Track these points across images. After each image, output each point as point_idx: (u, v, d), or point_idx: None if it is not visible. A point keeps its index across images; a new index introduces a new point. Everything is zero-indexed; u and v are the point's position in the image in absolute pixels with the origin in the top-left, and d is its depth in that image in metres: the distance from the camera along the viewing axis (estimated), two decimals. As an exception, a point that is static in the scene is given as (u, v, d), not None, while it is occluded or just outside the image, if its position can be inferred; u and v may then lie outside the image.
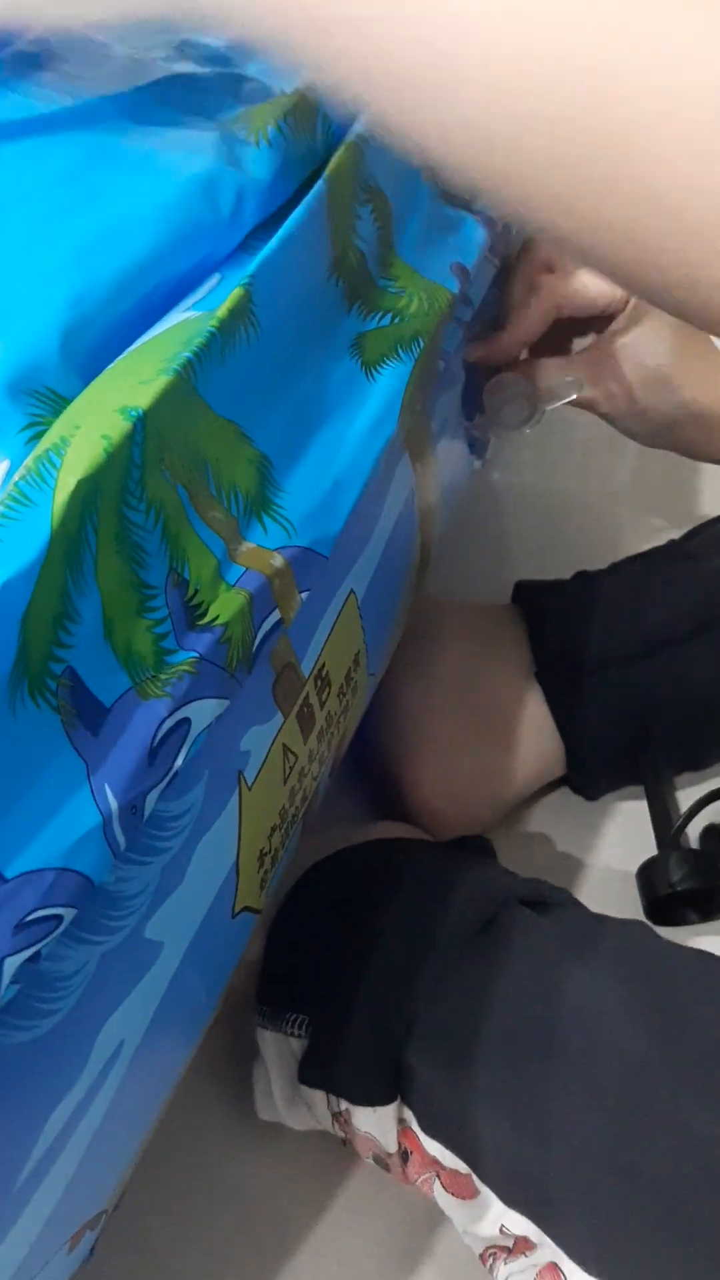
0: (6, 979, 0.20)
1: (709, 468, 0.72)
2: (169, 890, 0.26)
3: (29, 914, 0.21)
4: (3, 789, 0.21)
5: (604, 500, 0.70)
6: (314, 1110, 0.39)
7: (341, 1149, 0.41)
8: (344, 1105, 0.37)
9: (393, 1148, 0.37)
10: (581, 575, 0.53)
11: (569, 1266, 0.32)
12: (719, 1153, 0.31)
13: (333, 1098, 0.37)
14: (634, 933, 0.38)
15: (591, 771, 0.51)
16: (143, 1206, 0.38)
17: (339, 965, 0.38)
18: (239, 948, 0.32)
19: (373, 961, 0.37)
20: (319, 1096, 0.38)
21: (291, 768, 0.32)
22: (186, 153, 0.30)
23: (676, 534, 0.54)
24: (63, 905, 0.22)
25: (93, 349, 0.26)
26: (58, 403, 0.24)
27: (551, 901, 0.40)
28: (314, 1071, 0.38)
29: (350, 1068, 0.37)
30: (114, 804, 0.23)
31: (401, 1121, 0.36)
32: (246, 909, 0.31)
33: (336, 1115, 0.38)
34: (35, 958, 0.21)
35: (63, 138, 0.29)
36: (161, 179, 0.29)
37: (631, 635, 0.49)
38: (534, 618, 0.51)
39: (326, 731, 0.34)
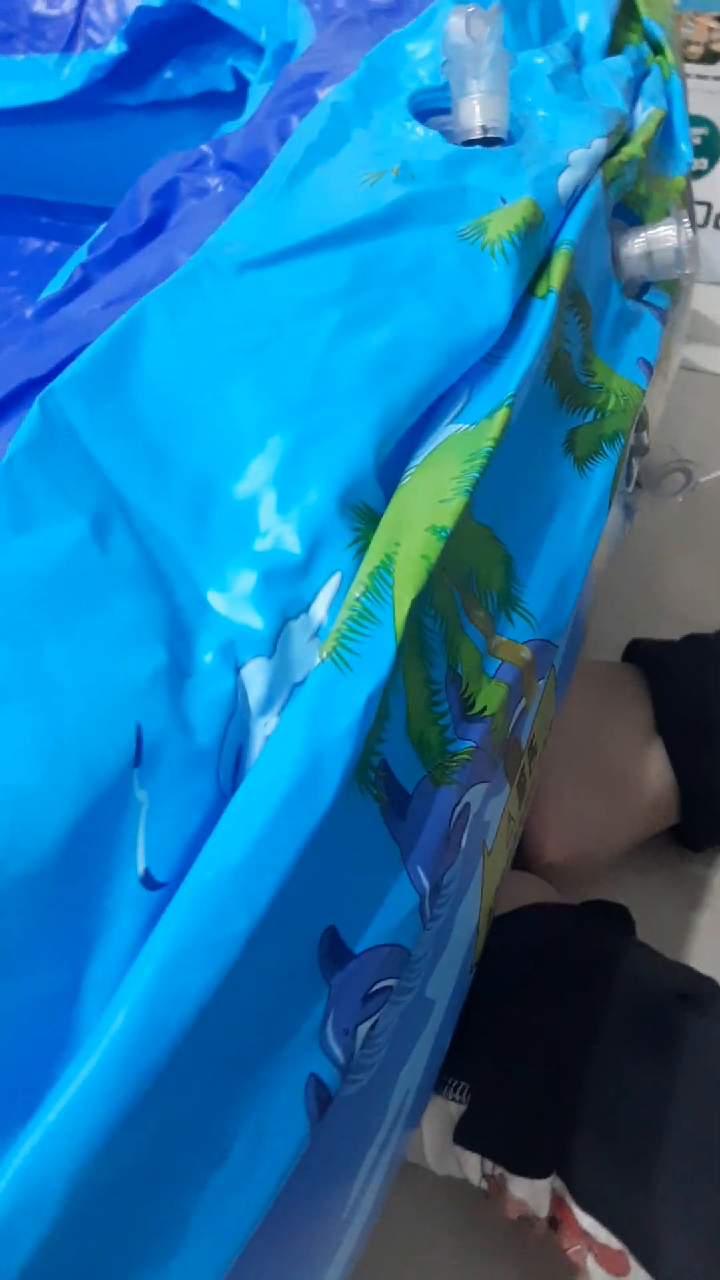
0: (360, 1043, 0.23)
1: None
2: (440, 952, 0.28)
3: (372, 985, 0.24)
4: (345, 875, 0.24)
5: (656, 549, 0.73)
6: (464, 1167, 0.41)
7: (482, 1200, 0.43)
8: (499, 1170, 0.39)
9: (544, 1214, 0.39)
10: (693, 637, 0.56)
11: None
12: None
13: (488, 1161, 0.40)
14: None
15: (706, 824, 0.54)
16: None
17: (501, 1040, 0.40)
18: (465, 999, 0.35)
19: (536, 1041, 0.40)
20: (473, 1158, 0.40)
21: (513, 832, 0.34)
22: (440, 269, 0.33)
23: None
24: (392, 976, 0.24)
25: (388, 464, 0.28)
26: (371, 517, 0.27)
27: (704, 996, 0.42)
28: (472, 1136, 0.40)
29: (510, 1139, 0.39)
30: (425, 884, 0.26)
31: (555, 1193, 0.39)
32: (476, 963, 0.34)
33: (488, 1176, 0.40)
34: (375, 1023, 0.24)
35: (331, 255, 0.32)
36: (425, 299, 0.32)
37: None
38: (655, 674, 0.54)
39: (529, 795, 0.37)
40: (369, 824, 0.25)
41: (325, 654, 0.24)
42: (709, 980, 0.42)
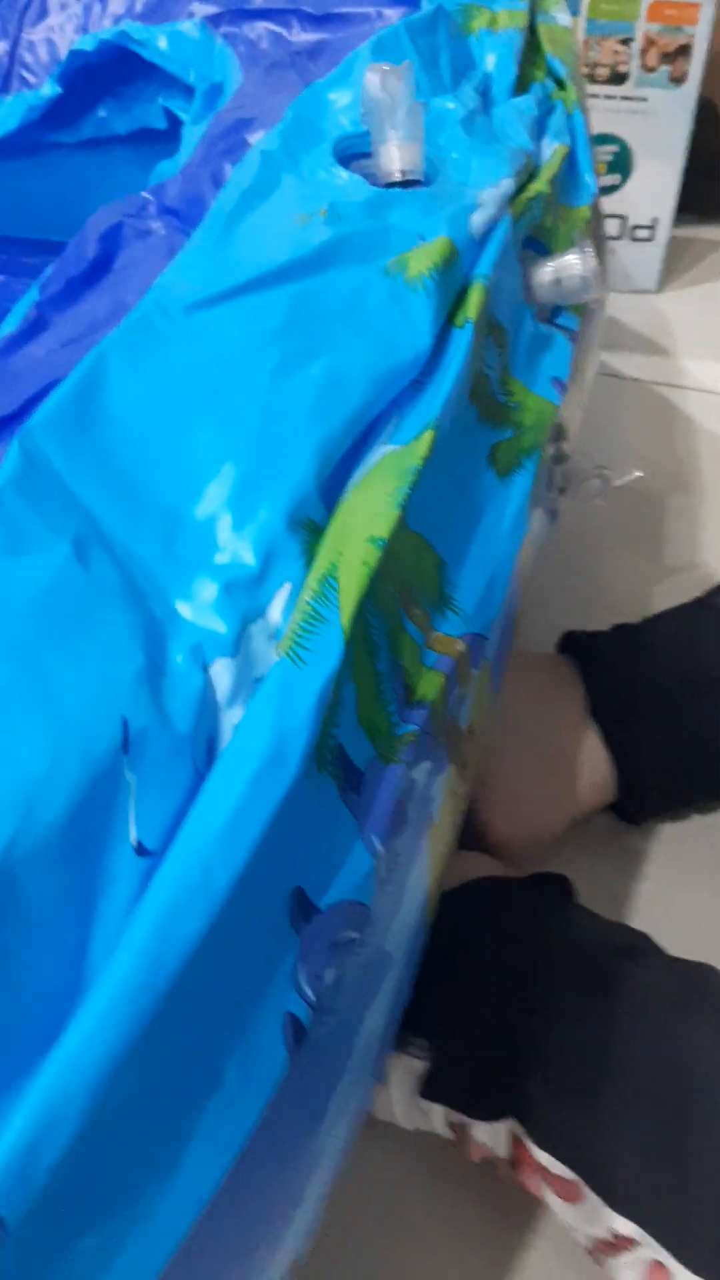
0: (328, 984, 0.27)
1: (685, 519, 0.82)
2: (395, 911, 0.32)
3: (338, 935, 0.27)
4: (309, 842, 0.28)
5: (588, 547, 0.78)
6: (430, 1119, 0.45)
7: (448, 1148, 0.47)
8: (461, 1118, 0.43)
9: (504, 1154, 0.43)
10: (621, 627, 0.60)
11: (675, 1266, 0.38)
12: None
13: (451, 1111, 0.44)
14: (715, 981, 0.44)
15: (640, 799, 0.58)
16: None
17: (458, 1000, 0.44)
18: (421, 956, 0.38)
19: (489, 999, 0.43)
20: (437, 1109, 0.44)
21: (457, 806, 0.38)
22: (369, 304, 0.36)
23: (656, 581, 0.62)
24: (355, 928, 0.28)
25: (329, 484, 0.32)
26: (316, 531, 0.31)
27: (640, 950, 0.46)
28: (437, 1089, 0.44)
29: (472, 1090, 0.43)
30: (380, 849, 0.29)
31: (513, 1134, 0.43)
32: (429, 924, 0.37)
33: (453, 1124, 0.44)
34: (341, 968, 0.28)
35: (269, 294, 0.36)
36: (356, 334, 0.35)
37: (678, 678, 0.56)
38: (587, 663, 0.58)
39: (472, 773, 0.41)
40: (328, 799, 0.29)
41: (282, 652, 0.28)
42: (643, 936, 0.46)
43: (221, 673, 0.28)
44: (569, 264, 0.46)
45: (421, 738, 0.32)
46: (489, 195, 0.43)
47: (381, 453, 0.34)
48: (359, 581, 0.29)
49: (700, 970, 0.44)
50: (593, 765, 0.57)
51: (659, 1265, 0.38)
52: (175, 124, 0.74)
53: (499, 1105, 0.42)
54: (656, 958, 0.46)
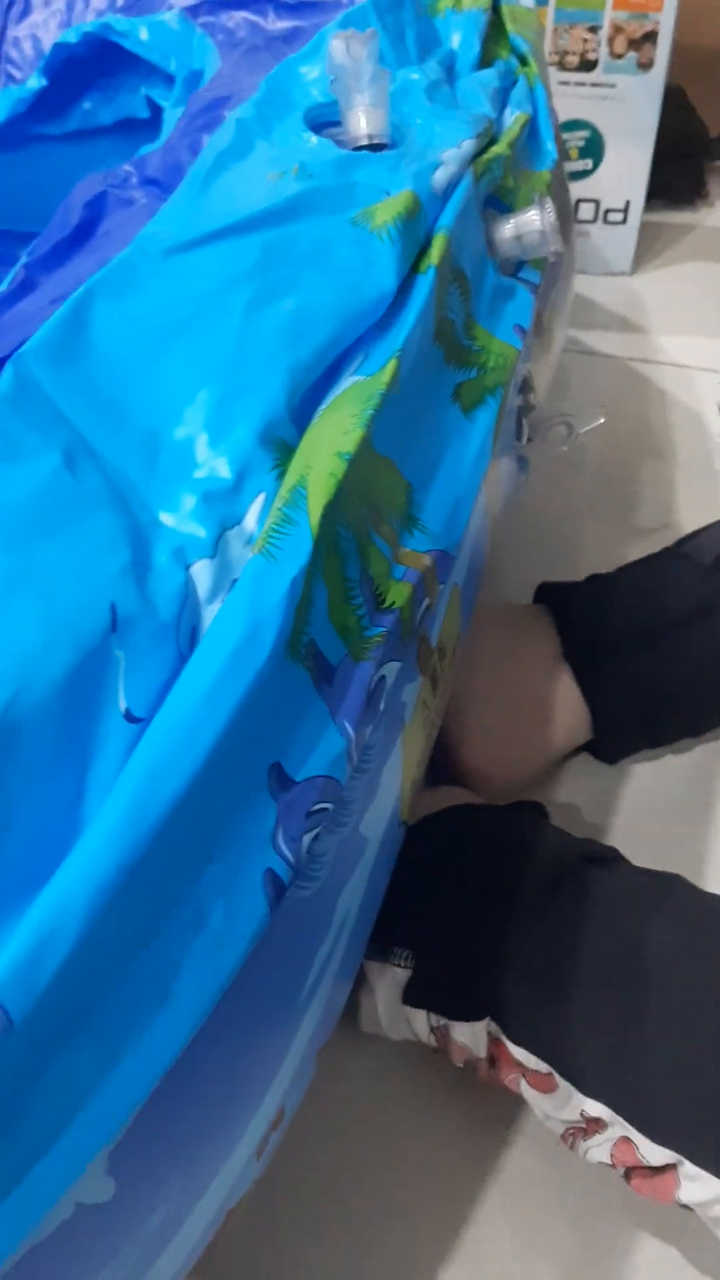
0: (305, 848, 0.30)
1: (658, 484, 0.85)
2: (370, 800, 0.35)
3: (312, 805, 0.30)
4: (286, 724, 0.30)
5: (567, 514, 0.81)
6: (414, 1025, 0.48)
7: (432, 1056, 0.50)
8: (443, 1021, 0.46)
9: (483, 1053, 0.46)
10: (594, 577, 0.63)
11: (639, 1138, 0.41)
12: None
13: (433, 1015, 0.46)
14: (681, 889, 0.46)
15: (613, 737, 0.61)
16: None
17: (438, 910, 0.47)
18: (397, 852, 0.41)
19: (466, 907, 0.46)
20: (420, 1015, 0.47)
21: (428, 717, 0.41)
22: (336, 250, 0.39)
23: (630, 543, 0.64)
24: (329, 801, 0.31)
25: (300, 408, 0.35)
26: (286, 450, 0.33)
27: (608, 859, 0.49)
28: (418, 994, 0.47)
29: (451, 992, 0.46)
30: (351, 734, 0.32)
31: (491, 1034, 0.45)
32: (404, 821, 0.40)
33: (435, 1029, 0.47)
34: (316, 837, 0.30)
35: (242, 240, 0.38)
36: (324, 275, 0.38)
37: (646, 621, 0.59)
38: (559, 610, 0.61)
39: (442, 692, 0.43)
40: (303, 688, 0.31)
41: (256, 550, 0.30)
42: (612, 849, 0.49)
43: (201, 572, 0.30)
44: (529, 219, 0.49)
45: (389, 639, 0.34)
46: (451, 155, 0.46)
47: (349, 382, 0.37)
48: (326, 490, 0.32)
49: (665, 876, 0.46)
50: (566, 706, 0.60)
51: (625, 1140, 0.41)
52: (158, 112, 0.77)
53: (476, 1006, 0.45)
54: (624, 865, 0.48)
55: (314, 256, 0.39)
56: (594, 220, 1.14)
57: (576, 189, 1.12)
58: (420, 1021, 0.47)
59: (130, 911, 0.25)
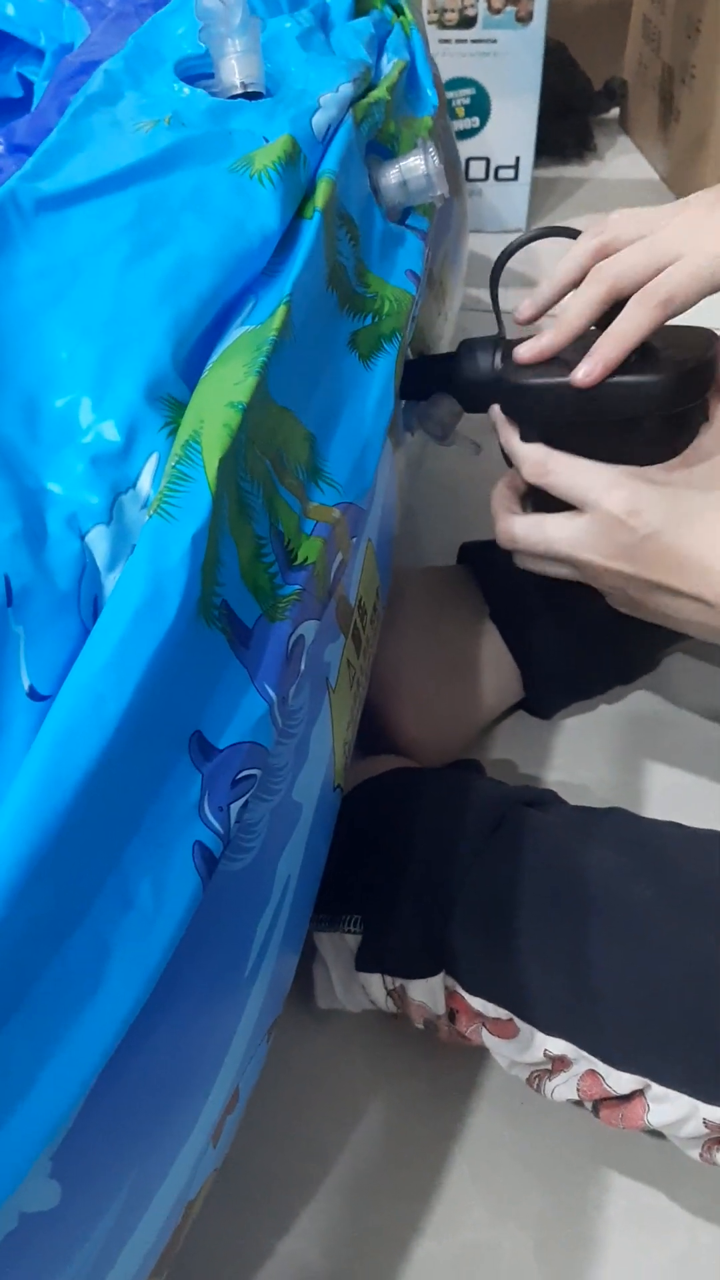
0: (234, 818, 0.28)
1: None
2: (300, 765, 0.34)
3: (238, 773, 0.29)
4: (203, 690, 0.29)
5: (485, 476, 0.80)
6: (370, 992, 0.47)
7: (391, 1024, 0.49)
8: (399, 982, 0.45)
9: (441, 1010, 0.45)
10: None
11: (604, 1069, 0.40)
12: (717, 962, 0.40)
13: (388, 977, 0.45)
14: (619, 815, 0.47)
15: (544, 693, 0.60)
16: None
17: (382, 871, 0.46)
18: (335, 816, 0.40)
19: (410, 863, 0.46)
20: (375, 979, 0.46)
21: (353, 678, 0.40)
22: (215, 198, 0.37)
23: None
24: (255, 767, 0.29)
25: (188, 362, 0.33)
26: (177, 406, 0.32)
27: (545, 801, 0.49)
28: (370, 958, 0.46)
29: (402, 950, 0.45)
30: (273, 695, 0.31)
31: (447, 988, 0.44)
32: (339, 786, 0.39)
33: (391, 992, 0.46)
34: (245, 805, 0.29)
35: (116, 196, 0.37)
36: (204, 222, 0.36)
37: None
38: (482, 570, 0.60)
39: (367, 651, 0.42)
40: (218, 652, 0.30)
41: (152, 511, 0.29)
42: (549, 791, 0.48)
43: (98, 539, 0.29)
44: (413, 164, 0.48)
45: (305, 597, 0.33)
46: (328, 99, 0.44)
47: (239, 333, 0.35)
48: (221, 442, 0.30)
49: (605, 810, 0.46)
50: (496, 665, 0.59)
51: (591, 1073, 0.40)
52: (29, 89, 0.74)
53: (429, 961, 0.44)
54: (564, 805, 0.48)
55: (192, 206, 0.37)
56: (485, 178, 1.13)
57: (466, 147, 1.12)
58: (376, 986, 0.45)
59: (50, 894, 0.23)
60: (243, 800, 0.29)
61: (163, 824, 0.27)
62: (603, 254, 0.46)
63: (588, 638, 0.59)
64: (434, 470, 0.77)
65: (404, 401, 0.52)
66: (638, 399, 0.45)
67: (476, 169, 1.13)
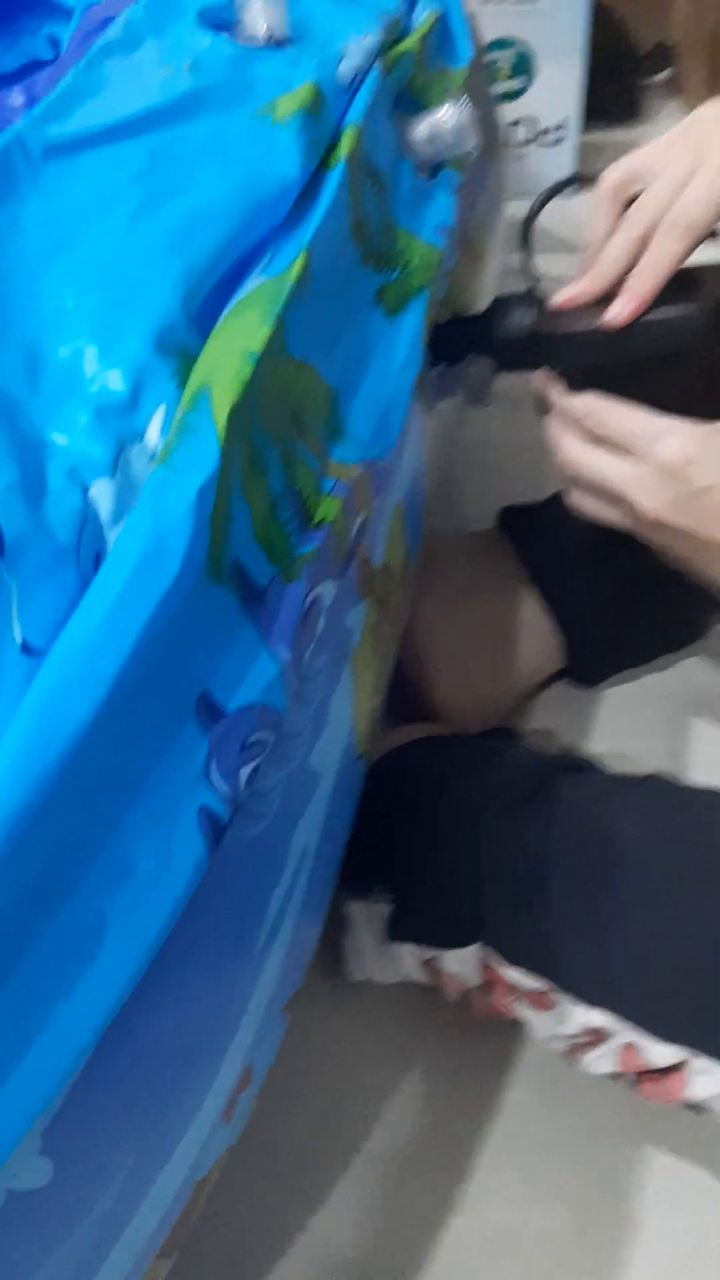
0: (243, 783, 0.27)
1: None
2: (319, 732, 0.32)
3: (248, 736, 0.28)
4: (211, 651, 0.28)
5: (528, 442, 0.78)
6: (402, 963, 0.45)
7: (423, 997, 0.48)
8: (433, 952, 0.44)
9: (477, 981, 0.43)
10: (557, 495, 0.60)
11: (643, 1041, 0.39)
12: None
13: (421, 948, 0.44)
14: (657, 782, 0.45)
15: (586, 658, 0.58)
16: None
17: (413, 839, 0.45)
18: (359, 786, 0.39)
19: (441, 831, 0.44)
20: (407, 949, 0.45)
21: (379, 643, 0.38)
22: (233, 145, 0.36)
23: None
24: (267, 731, 0.28)
25: (202, 310, 0.32)
26: (188, 357, 0.31)
27: (582, 769, 0.47)
28: (403, 928, 0.44)
29: (435, 919, 0.43)
30: (286, 656, 0.29)
31: (482, 959, 0.43)
32: (362, 755, 0.38)
33: (425, 962, 0.45)
34: (256, 770, 0.28)
35: (128, 144, 0.35)
36: (221, 170, 0.35)
37: (610, 531, 0.56)
38: (520, 533, 0.58)
39: (395, 617, 0.41)
40: (229, 612, 0.29)
41: (158, 463, 0.28)
42: (587, 760, 0.47)
43: (102, 492, 0.28)
44: (444, 117, 0.46)
45: (321, 556, 0.32)
46: (355, 46, 0.43)
47: (256, 283, 0.34)
48: (232, 392, 0.29)
49: (643, 777, 0.44)
50: (535, 629, 0.57)
51: (629, 1046, 0.39)
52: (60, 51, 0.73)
53: (463, 930, 0.42)
54: (601, 773, 0.46)
55: (209, 154, 0.36)
56: (531, 141, 1.11)
57: (510, 110, 1.09)
58: (409, 957, 0.44)
59: (42, 858, 0.22)
60: (253, 765, 0.27)
61: (166, 788, 0.26)
62: (622, 194, 0.44)
63: (631, 601, 0.57)
64: (474, 439, 0.75)
65: (439, 366, 0.50)
66: (676, 332, 0.43)
67: (521, 132, 1.10)
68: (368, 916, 0.45)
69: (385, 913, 0.44)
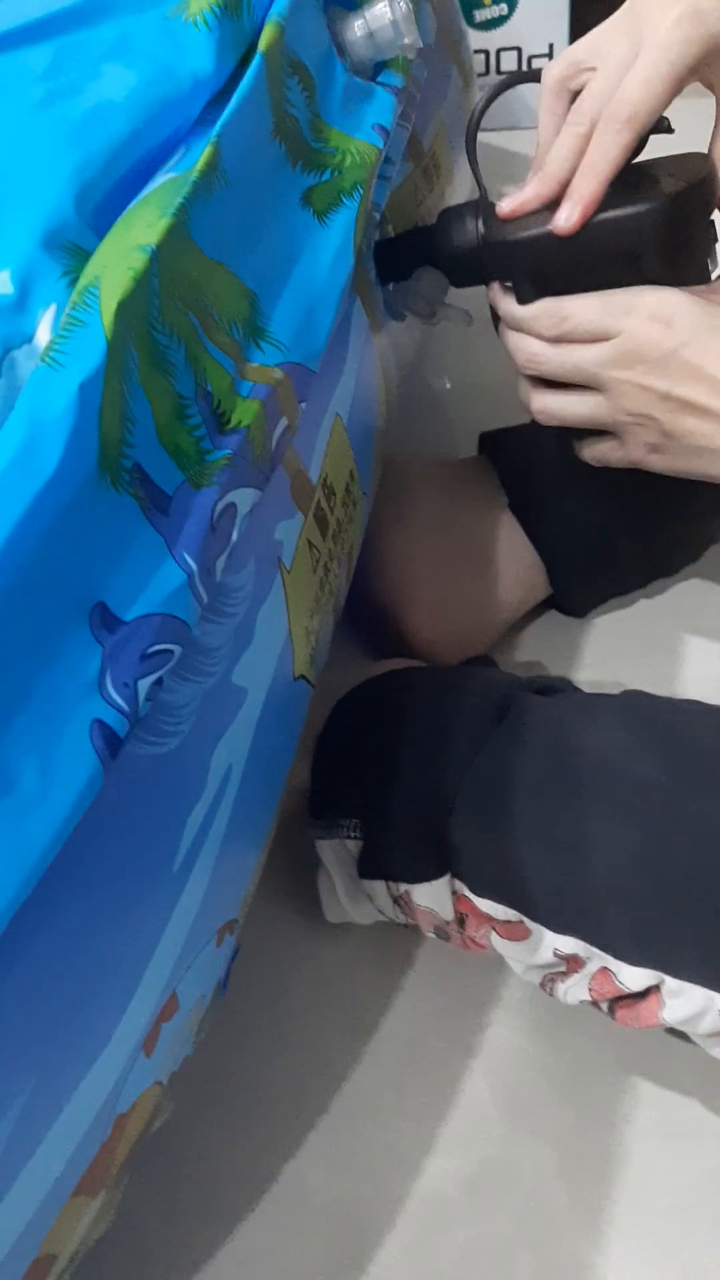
0: (142, 696, 0.26)
1: None
2: (243, 648, 0.31)
3: (148, 647, 0.26)
4: (108, 558, 0.26)
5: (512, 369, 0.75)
6: (376, 900, 0.44)
7: (404, 935, 0.46)
8: (403, 888, 0.42)
9: (450, 915, 0.42)
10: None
11: (616, 965, 0.38)
12: None
13: (392, 884, 0.43)
14: (632, 695, 0.43)
15: (570, 585, 0.56)
16: (239, 1013, 0.43)
17: (379, 770, 0.43)
18: (301, 712, 0.37)
19: (407, 759, 0.43)
20: (379, 886, 0.43)
21: (317, 561, 0.37)
22: (141, 44, 0.34)
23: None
24: (170, 642, 0.27)
25: (100, 208, 0.30)
26: (81, 255, 0.29)
27: (557, 688, 0.45)
28: (372, 864, 0.43)
29: (403, 852, 0.42)
30: (193, 565, 0.28)
31: (454, 892, 0.42)
32: (302, 677, 0.36)
33: (397, 899, 0.43)
34: (159, 683, 0.26)
35: (33, 48, 0.34)
36: (127, 70, 0.33)
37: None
38: (499, 457, 0.56)
39: (339, 536, 0.39)
40: (130, 519, 0.27)
41: (40, 361, 0.26)
42: (562, 678, 0.45)
43: (-14, 398, 0.26)
44: (379, 13, 0.44)
45: (237, 462, 0.30)
46: (277, -60, 0.41)
47: (162, 180, 0.32)
48: (121, 286, 0.27)
49: (623, 693, 0.42)
50: (516, 557, 0.55)
51: (603, 971, 0.38)
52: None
53: (430, 863, 0.41)
54: (576, 691, 0.44)
55: (115, 54, 0.34)
56: (517, 70, 1.07)
57: (495, 37, 1.05)
58: (382, 895, 0.43)
59: None
60: (154, 677, 0.26)
61: (54, 699, 0.24)
62: (564, 86, 0.42)
63: (615, 522, 0.55)
64: (461, 364, 0.73)
65: (390, 285, 0.48)
66: (629, 232, 0.41)
67: (508, 60, 1.07)
68: (338, 855, 0.43)
69: (355, 850, 0.43)
